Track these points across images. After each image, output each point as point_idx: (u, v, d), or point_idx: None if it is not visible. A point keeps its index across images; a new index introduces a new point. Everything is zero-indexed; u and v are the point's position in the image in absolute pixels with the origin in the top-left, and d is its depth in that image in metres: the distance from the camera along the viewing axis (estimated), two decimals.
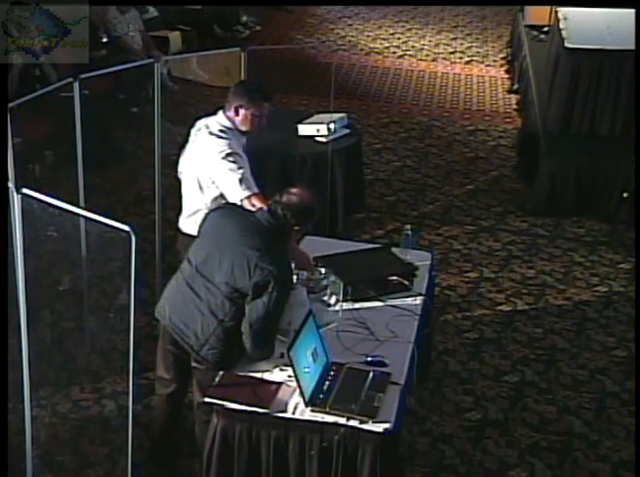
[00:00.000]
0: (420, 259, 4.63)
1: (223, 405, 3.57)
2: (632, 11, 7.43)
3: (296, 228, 3.85)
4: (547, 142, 7.28)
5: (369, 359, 3.85)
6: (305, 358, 3.62)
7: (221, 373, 3.76)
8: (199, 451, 3.92)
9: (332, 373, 3.74)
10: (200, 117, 4.59)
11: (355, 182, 6.63)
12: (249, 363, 3.79)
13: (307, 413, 3.53)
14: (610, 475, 4.54)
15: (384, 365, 3.83)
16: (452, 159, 8.17)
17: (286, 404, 3.58)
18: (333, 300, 4.25)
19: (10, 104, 4.16)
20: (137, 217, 6.43)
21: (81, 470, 4.38)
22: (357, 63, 10.67)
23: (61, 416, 4.70)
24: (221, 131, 4.40)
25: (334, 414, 3.50)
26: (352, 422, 3.49)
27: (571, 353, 5.49)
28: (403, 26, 12.19)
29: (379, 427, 3.47)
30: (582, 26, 7.70)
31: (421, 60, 10.85)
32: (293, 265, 4.01)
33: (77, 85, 4.72)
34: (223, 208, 4.07)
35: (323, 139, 6.37)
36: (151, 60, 5.46)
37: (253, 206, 4.14)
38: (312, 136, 6.42)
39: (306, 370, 3.60)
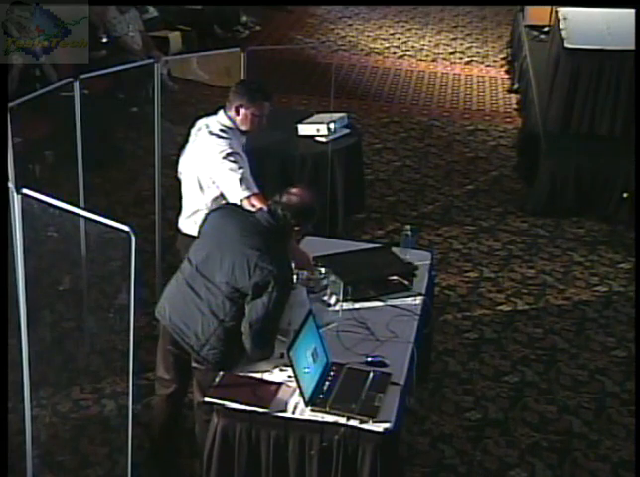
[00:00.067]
0: (420, 259, 4.63)
1: (223, 405, 3.57)
2: (632, 11, 7.43)
3: (296, 228, 3.85)
4: (547, 142, 7.28)
5: (369, 359, 3.85)
6: (305, 358, 3.62)
7: (221, 373, 3.76)
8: (199, 451, 3.92)
9: (332, 373, 3.74)
10: (200, 117, 4.59)
11: (355, 182, 6.63)
12: (249, 363, 3.79)
13: (307, 413, 3.53)
14: (610, 475, 4.54)
15: (384, 365, 3.83)
16: (452, 159, 8.17)
17: (286, 404, 3.58)
18: (333, 300, 4.25)
19: (10, 104, 4.16)
20: (137, 217, 6.43)
21: (81, 470, 4.38)
22: (357, 63, 10.67)
23: (61, 416, 4.70)
24: (221, 131, 4.40)
25: (334, 414, 3.50)
26: (352, 422, 3.49)
27: (571, 353, 5.49)
28: (403, 26, 12.19)
29: (379, 427, 3.47)
30: (582, 26, 7.70)
31: (421, 60, 10.86)
32: (293, 265, 4.01)
33: (77, 85, 4.72)
34: (223, 208, 4.07)
35: (323, 139, 6.37)
36: (151, 60, 5.46)
37: (254, 206, 4.14)
38: (312, 136, 6.42)
39: (306, 370, 3.60)
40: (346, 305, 4.24)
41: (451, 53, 11.15)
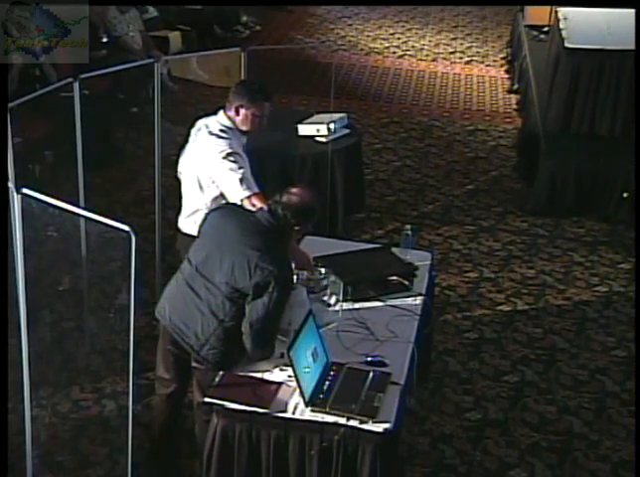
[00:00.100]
0: (420, 259, 4.63)
1: (223, 405, 3.57)
2: (632, 11, 7.43)
3: (296, 228, 3.85)
4: (547, 142, 7.28)
5: (369, 359, 3.85)
6: (305, 358, 3.62)
7: (221, 373, 3.76)
8: (199, 451, 3.92)
9: (332, 373, 3.74)
10: (200, 117, 4.59)
11: (355, 182, 6.63)
12: (249, 363, 3.79)
13: (307, 413, 3.53)
14: (610, 475, 4.54)
15: (384, 365, 3.83)
16: (452, 159, 8.17)
17: (286, 404, 3.58)
18: (333, 300, 4.25)
19: (10, 104, 4.16)
20: (137, 217, 6.43)
21: (81, 470, 4.38)
22: (357, 63, 10.67)
23: (61, 416, 4.69)
24: (221, 131, 4.40)
25: (334, 414, 3.50)
26: (352, 422, 3.49)
27: (571, 353, 5.49)
28: (403, 26, 12.20)
29: (379, 427, 3.47)
30: (582, 26, 7.70)
31: (421, 60, 10.86)
32: (293, 265, 4.01)
33: (77, 85, 4.72)
34: (223, 208, 4.07)
35: (323, 139, 6.37)
36: (151, 60, 5.46)
37: (254, 206, 4.14)
38: (312, 136, 6.42)
39: (306, 370, 3.60)
40: (346, 305, 4.24)
41: (451, 53, 11.15)
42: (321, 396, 3.59)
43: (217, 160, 4.31)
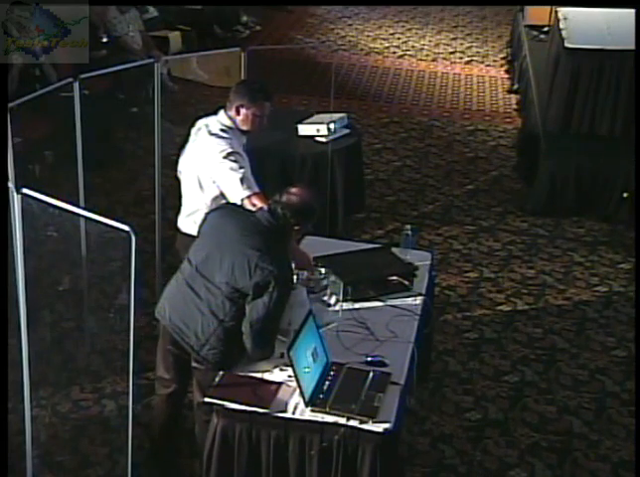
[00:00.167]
0: (420, 259, 4.63)
1: (223, 405, 3.57)
2: (632, 11, 7.43)
3: (296, 227, 3.84)
4: (547, 142, 7.28)
5: (369, 359, 3.85)
6: (305, 358, 3.62)
7: (221, 373, 3.76)
8: (199, 451, 3.92)
9: (332, 373, 3.74)
10: (200, 117, 4.59)
11: (355, 182, 6.63)
12: (249, 363, 3.79)
13: (307, 413, 3.53)
14: (610, 475, 4.54)
15: (384, 365, 3.83)
16: (452, 159, 8.17)
17: (286, 404, 3.58)
18: (333, 300, 4.25)
19: (10, 104, 4.16)
20: (137, 217, 6.43)
21: (81, 470, 4.38)
22: (357, 63, 10.67)
23: (61, 416, 4.70)
24: (222, 131, 4.40)
25: (334, 414, 3.50)
26: (352, 422, 3.49)
27: (571, 353, 5.49)
28: (403, 26, 12.20)
29: (379, 427, 3.47)
30: (582, 26, 7.70)
31: (421, 60, 10.86)
32: (293, 265, 4.00)
33: (77, 85, 4.72)
34: (222, 208, 4.07)
35: (323, 139, 6.37)
36: (151, 60, 5.47)
37: (254, 205, 4.14)
38: (312, 136, 6.42)
39: (306, 370, 3.60)
40: (346, 305, 4.23)
41: (451, 53, 11.15)
42: (321, 396, 3.59)
43: (217, 160, 4.31)
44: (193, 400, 4.13)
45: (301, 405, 3.55)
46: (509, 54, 10.84)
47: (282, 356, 3.73)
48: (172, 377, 4.10)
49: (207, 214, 4.04)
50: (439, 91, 9.86)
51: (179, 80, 9.35)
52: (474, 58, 10.98)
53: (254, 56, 5.73)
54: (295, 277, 4.01)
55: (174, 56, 9.11)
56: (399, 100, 9.57)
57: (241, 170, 4.29)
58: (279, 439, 3.52)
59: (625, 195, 6.91)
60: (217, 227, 3.87)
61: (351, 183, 6.50)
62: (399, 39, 11.63)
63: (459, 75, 10.41)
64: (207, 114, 4.56)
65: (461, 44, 11.50)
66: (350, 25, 12.16)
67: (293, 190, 3.84)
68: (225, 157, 4.30)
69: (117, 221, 3.15)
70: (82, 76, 4.77)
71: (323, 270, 4.32)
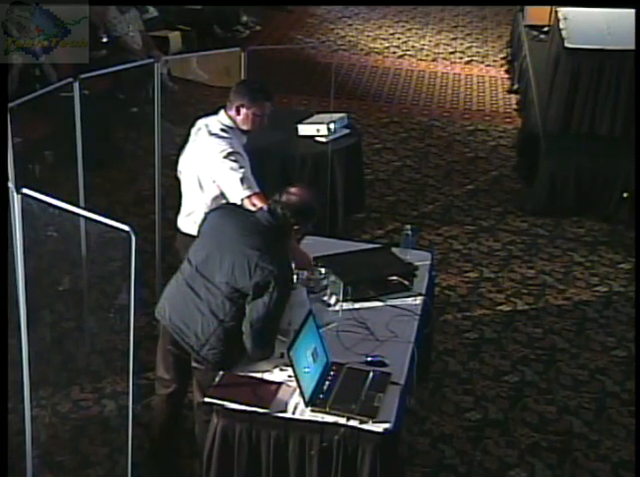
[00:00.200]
0: (420, 259, 4.63)
1: (223, 405, 3.57)
2: (632, 11, 7.43)
3: (296, 227, 3.84)
4: (547, 142, 7.28)
5: (369, 359, 3.85)
6: (305, 358, 3.62)
7: (221, 373, 3.76)
8: (199, 451, 3.92)
9: (332, 373, 3.74)
10: (200, 117, 4.59)
11: (355, 182, 6.63)
12: (249, 363, 3.79)
13: (307, 413, 3.53)
14: (610, 475, 4.54)
15: (384, 365, 3.83)
16: (452, 159, 8.17)
17: (286, 404, 3.58)
18: (333, 300, 4.25)
19: (10, 104, 4.16)
20: (137, 217, 6.43)
21: (81, 470, 4.38)
22: (357, 63, 10.67)
23: (61, 416, 4.70)
24: (222, 130, 4.40)
25: (334, 414, 3.50)
26: (352, 422, 3.49)
27: (571, 353, 5.49)
28: (403, 26, 12.20)
29: (379, 427, 3.47)
30: (582, 26, 7.70)
31: (421, 60, 10.86)
32: (293, 265, 4.00)
33: (77, 85, 4.72)
34: (222, 208, 4.07)
35: (323, 139, 6.37)
36: (151, 60, 5.47)
37: (254, 205, 4.14)
38: (312, 136, 6.42)
39: (306, 370, 3.60)
40: (346, 305, 4.23)
41: (451, 53, 11.15)
42: (321, 396, 3.59)
43: (218, 159, 4.31)
44: (193, 400, 4.13)
45: (301, 405, 3.55)
46: (509, 54, 10.84)
47: (282, 356, 3.73)
48: (172, 377, 4.10)
49: (206, 214, 4.04)
50: (439, 91, 9.86)
51: (179, 80, 9.35)
52: (474, 58, 10.98)
53: (254, 56, 5.73)
54: (295, 277, 4.01)
55: (174, 56, 9.11)
56: (399, 100, 9.57)
57: (242, 170, 4.29)
58: (279, 439, 3.52)
59: (625, 195, 6.91)
60: (216, 227, 3.88)
61: (351, 183, 6.50)
62: (399, 39, 11.63)
63: (459, 75, 10.41)
64: (207, 114, 4.56)
65: (461, 44, 11.50)
66: (350, 25, 12.16)
67: (293, 190, 3.84)
68: (225, 157, 4.30)
69: (117, 221, 3.15)
70: (82, 76, 4.77)
71: (323, 270, 4.32)
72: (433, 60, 10.86)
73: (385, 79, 10.19)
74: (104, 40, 8.39)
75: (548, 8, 9.32)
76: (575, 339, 5.63)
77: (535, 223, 7.06)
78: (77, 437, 4.57)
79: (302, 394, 3.54)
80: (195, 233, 4.04)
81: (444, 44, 11.47)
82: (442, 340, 5.48)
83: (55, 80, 6.59)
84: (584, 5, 8.15)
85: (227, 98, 4.47)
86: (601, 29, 7.68)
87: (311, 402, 3.55)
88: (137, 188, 7.15)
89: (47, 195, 3.38)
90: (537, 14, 9.93)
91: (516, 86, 9.76)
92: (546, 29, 9.54)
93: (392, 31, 11.94)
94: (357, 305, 4.24)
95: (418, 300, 4.33)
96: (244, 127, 4.45)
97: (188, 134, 4.59)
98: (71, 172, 4.97)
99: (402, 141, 8.50)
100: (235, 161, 4.30)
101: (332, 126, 6.41)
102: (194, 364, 3.89)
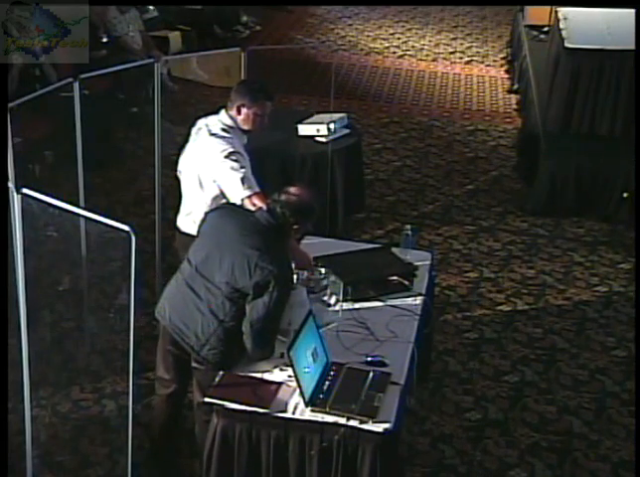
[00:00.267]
0: (420, 259, 4.63)
1: (223, 405, 3.57)
2: (632, 11, 7.43)
3: (295, 226, 3.84)
4: (547, 142, 7.28)
5: (369, 359, 3.85)
6: (305, 358, 3.62)
7: (221, 373, 3.76)
8: (199, 451, 3.92)
9: (332, 373, 3.74)
10: (200, 117, 4.59)
11: (355, 182, 6.63)
12: (249, 363, 3.79)
13: (307, 413, 3.53)
14: (610, 475, 4.54)
15: (384, 365, 3.83)
16: (452, 159, 8.17)
17: (286, 404, 3.58)
18: (333, 300, 4.25)
19: (10, 104, 4.16)
20: (137, 217, 6.43)
21: (81, 470, 4.38)
22: (357, 63, 10.67)
23: (61, 416, 4.69)
24: (222, 130, 4.41)
25: (334, 414, 3.50)
26: (352, 422, 3.49)
27: (571, 353, 5.49)
28: (403, 26, 12.19)
29: (379, 427, 3.47)
30: (582, 26, 7.70)
31: (421, 60, 10.86)
32: (293, 265, 4.01)
33: (77, 85, 4.72)
34: (222, 207, 4.07)
35: (323, 139, 6.37)
36: (151, 60, 5.47)
37: (255, 205, 4.14)
38: (312, 136, 6.42)
39: (306, 370, 3.60)
40: (346, 305, 4.23)
41: (451, 53, 11.15)
42: (321, 396, 3.59)
43: (218, 159, 4.31)
44: (193, 400, 4.13)
45: (301, 405, 3.55)
46: (509, 54, 10.84)
47: (282, 356, 3.73)
48: (172, 377, 4.10)
49: (206, 213, 4.04)
50: (439, 91, 9.86)
51: (179, 80, 9.35)
52: (474, 58, 10.98)
53: (254, 56, 5.73)
54: (295, 277, 4.01)
55: (174, 56, 9.10)
56: (399, 100, 9.56)
57: (242, 170, 4.29)
58: (279, 439, 3.53)
59: (625, 195, 6.91)
60: (216, 226, 3.88)
61: (351, 183, 6.50)
62: (399, 39, 11.63)
63: (459, 75, 10.41)
64: (207, 114, 4.56)
65: (461, 44, 11.50)
66: (350, 25, 12.16)
67: (292, 189, 3.84)
68: (226, 157, 4.30)
69: (117, 221, 3.15)
70: (82, 76, 4.77)
71: (323, 270, 4.32)
72: (433, 60, 10.86)
73: (385, 79, 10.19)
74: (104, 40, 8.39)
75: (548, 8, 9.32)
76: (575, 339, 5.63)
77: (535, 223, 7.06)
78: (77, 437, 4.57)
79: (302, 394, 3.54)
80: (194, 232, 4.04)
81: (444, 44, 11.46)
82: (442, 340, 5.48)
83: (55, 80, 6.59)
84: (584, 5, 8.15)
85: (227, 98, 4.47)
86: (601, 29, 7.68)
87: (311, 402, 3.55)
88: (137, 188, 7.15)
89: (47, 195, 3.38)
90: (537, 14, 9.93)
91: (516, 86, 9.76)
92: (546, 29, 9.54)
93: (392, 31, 11.94)
94: (357, 305, 4.24)
95: (418, 300, 4.33)
96: (245, 127, 4.45)
97: (188, 134, 4.59)
98: (71, 172, 4.97)
99: (402, 141, 8.50)
100: (235, 161, 4.30)
101: (332, 126, 6.41)
102: (194, 364, 3.89)
